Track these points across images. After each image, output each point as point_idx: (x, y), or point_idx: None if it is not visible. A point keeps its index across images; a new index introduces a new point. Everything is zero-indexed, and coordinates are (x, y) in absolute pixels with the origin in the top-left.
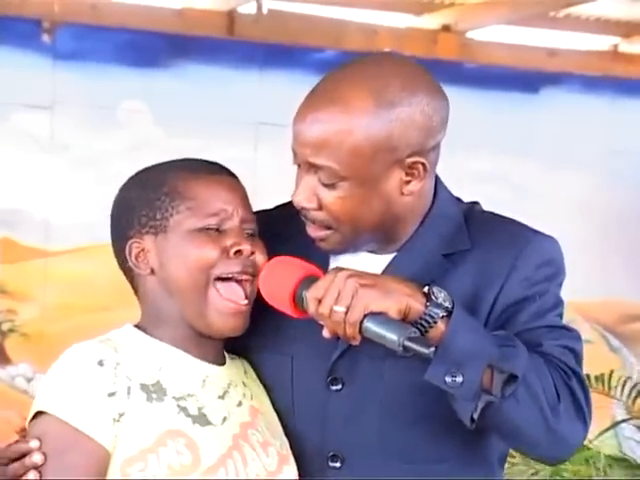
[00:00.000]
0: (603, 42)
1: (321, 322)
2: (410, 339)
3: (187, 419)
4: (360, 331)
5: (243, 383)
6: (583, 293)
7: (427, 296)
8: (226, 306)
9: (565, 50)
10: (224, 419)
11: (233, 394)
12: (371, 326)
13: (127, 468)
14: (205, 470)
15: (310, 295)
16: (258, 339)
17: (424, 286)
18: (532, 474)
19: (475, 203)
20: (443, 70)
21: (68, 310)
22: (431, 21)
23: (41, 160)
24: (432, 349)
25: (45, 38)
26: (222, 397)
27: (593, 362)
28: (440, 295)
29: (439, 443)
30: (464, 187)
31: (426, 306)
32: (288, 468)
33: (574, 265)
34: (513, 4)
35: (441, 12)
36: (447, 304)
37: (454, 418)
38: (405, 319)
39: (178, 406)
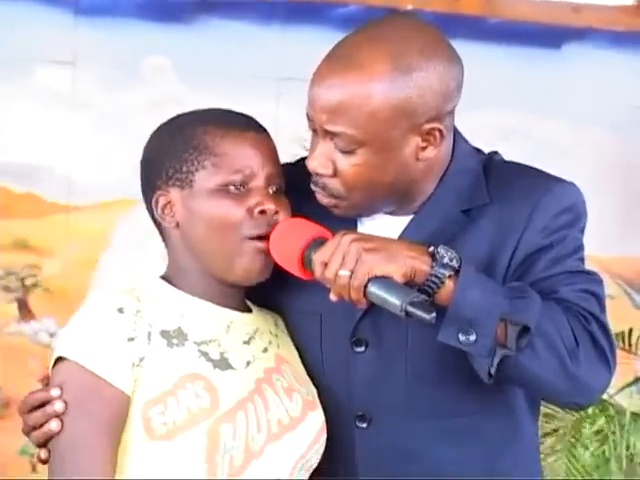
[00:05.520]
0: None
1: (328, 285)
2: (412, 304)
3: (208, 363)
4: (365, 295)
5: (270, 332)
6: (605, 249)
7: (433, 257)
8: (252, 247)
9: (589, 5)
10: (248, 363)
11: (259, 340)
12: (375, 290)
13: (147, 411)
14: (223, 413)
15: (316, 258)
16: (289, 299)
17: (429, 247)
18: (553, 430)
19: (494, 153)
20: (465, 25)
21: (90, 265)
22: None
23: (63, 116)
24: (433, 315)
25: None
26: (247, 342)
27: (616, 318)
28: (446, 255)
29: (464, 398)
30: (487, 143)
31: (432, 267)
32: (313, 414)
33: (596, 221)
34: None
35: None
36: (454, 263)
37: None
38: (412, 282)
39: (199, 351)
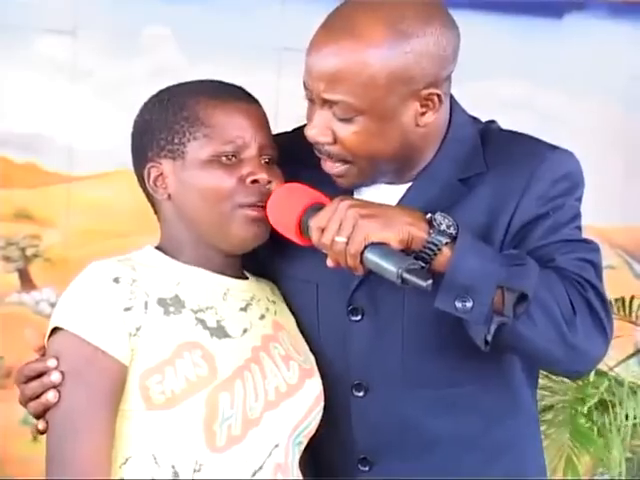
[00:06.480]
0: None
1: (325, 251)
2: (409, 271)
3: (205, 331)
4: (362, 262)
5: (268, 299)
6: (605, 219)
7: (430, 224)
8: (245, 215)
9: None
10: (244, 331)
11: (255, 307)
12: (371, 257)
13: (145, 380)
14: (221, 382)
15: (313, 224)
16: (285, 267)
17: (427, 213)
18: (554, 402)
19: (491, 121)
20: None
21: (91, 235)
22: None
23: (64, 85)
24: (430, 282)
25: None
26: (244, 309)
27: (616, 288)
28: (443, 222)
29: (461, 367)
30: (487, 113)
31: (429, 234)
32: (311, 382)
33: (597, 191)
34: None
35: None
36: (451, 230)
37: (474, 342)
38: (409, 249)
39: (196, 318)
